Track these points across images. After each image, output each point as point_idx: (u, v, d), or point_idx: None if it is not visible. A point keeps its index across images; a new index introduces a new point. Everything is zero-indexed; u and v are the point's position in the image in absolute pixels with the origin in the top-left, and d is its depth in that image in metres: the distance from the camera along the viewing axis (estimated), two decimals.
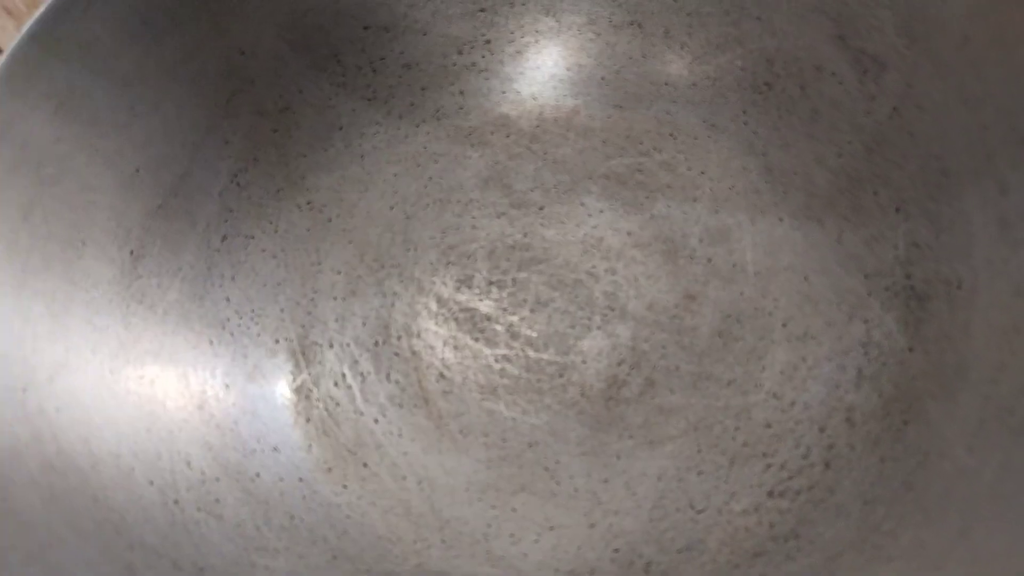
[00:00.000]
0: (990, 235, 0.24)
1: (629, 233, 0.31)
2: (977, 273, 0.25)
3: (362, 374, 0.31)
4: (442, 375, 0.30)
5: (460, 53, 0.34)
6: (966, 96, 0.25)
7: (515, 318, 0.31)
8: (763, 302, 0.29)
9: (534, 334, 0.31)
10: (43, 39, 0.27)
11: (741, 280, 0.30)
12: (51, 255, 0.27)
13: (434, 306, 0.31)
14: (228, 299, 0.31)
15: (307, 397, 0.30)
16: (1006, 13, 0.24)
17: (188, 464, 0.28)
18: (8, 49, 0.26)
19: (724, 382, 0.29)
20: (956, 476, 0.22)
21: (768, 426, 0.28)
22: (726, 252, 0.30)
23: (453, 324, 0.31)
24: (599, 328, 0.30)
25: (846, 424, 0.26)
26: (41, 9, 0.27)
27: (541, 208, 0.32)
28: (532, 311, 0.31)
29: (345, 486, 0.29)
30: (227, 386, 0.30)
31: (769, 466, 0.27)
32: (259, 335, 0.31)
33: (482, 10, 0.33)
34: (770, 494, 0.26)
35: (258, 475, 0.28)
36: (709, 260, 0.30)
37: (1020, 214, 0.24)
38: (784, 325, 0.29)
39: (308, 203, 0.33)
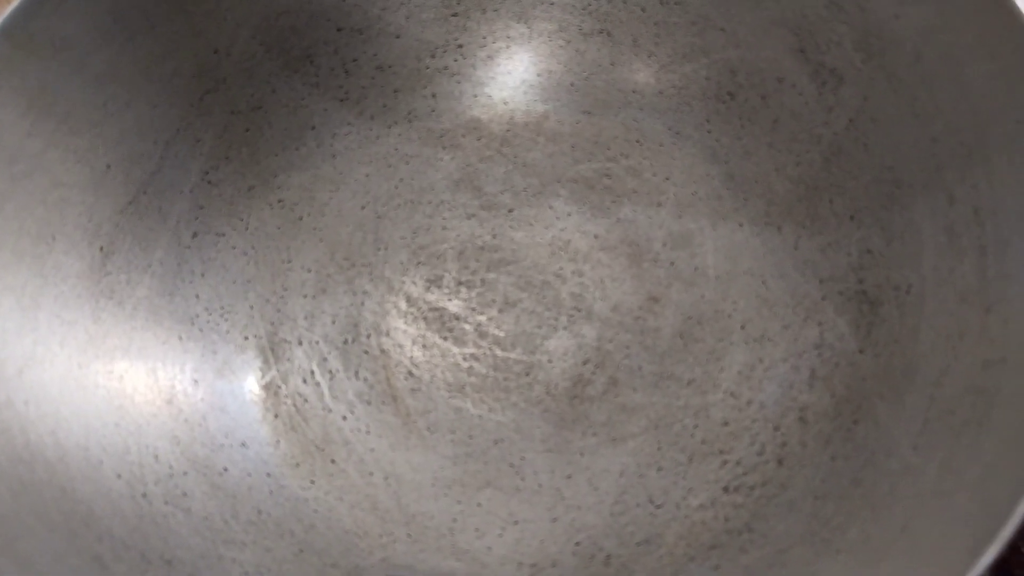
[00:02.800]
0: (938, 244, 0.25)
1: (596, 236, 0.32)
2: (925, 280, 0.26)
3: (331, 371, 0.31)
4: (410, 373, 0.31)
5: (433, 57, 0.34)
6: (918, 111, 0.26)
7: (483, 318, 0.31)
8: (723, 305, 0.30)
9: (502, 334, 0.31)
10: (15, 35, 0.27)
11: (702, 283, 0.31)
12: (22, 250, 0.27)
13: (403, 305, 0.32)
14: (198, 296, 0.31)
15: (275, 393, 0.31)
16: (956, 33, 0.25)
17: (156, 458, 0.28)
18: None
19: (684, 382, 0.29)
20: (901, 473, 0.23)
21: (725, 424, 0.28)
22: (688, 256, 0.31)
23: (422, 323, 0.32)
24: (565, 328, 0.31)
25: (799, 423, 0.27)
26: (13, 4, 0.27)
27: (510, 210, 0.33)
28: (500, 311, 0.32)
29: (312, 481, 0.29)
30: (196, 382, 0.30)
31: (725, 463, 0.28)
32: (228, 331, 0.31)
33: (455, 15, 0.34)
34: (726, 490, 0.27)
35: (226, 470, 0.29)
36: (672, 263, 0.31)
37: (966, 224, 0.25)
38: (742, 327, 0.30)
39: (279, 201, 0.33)
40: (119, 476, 0.27)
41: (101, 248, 0.29)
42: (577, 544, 0.27)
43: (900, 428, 0.24)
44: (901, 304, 0.26)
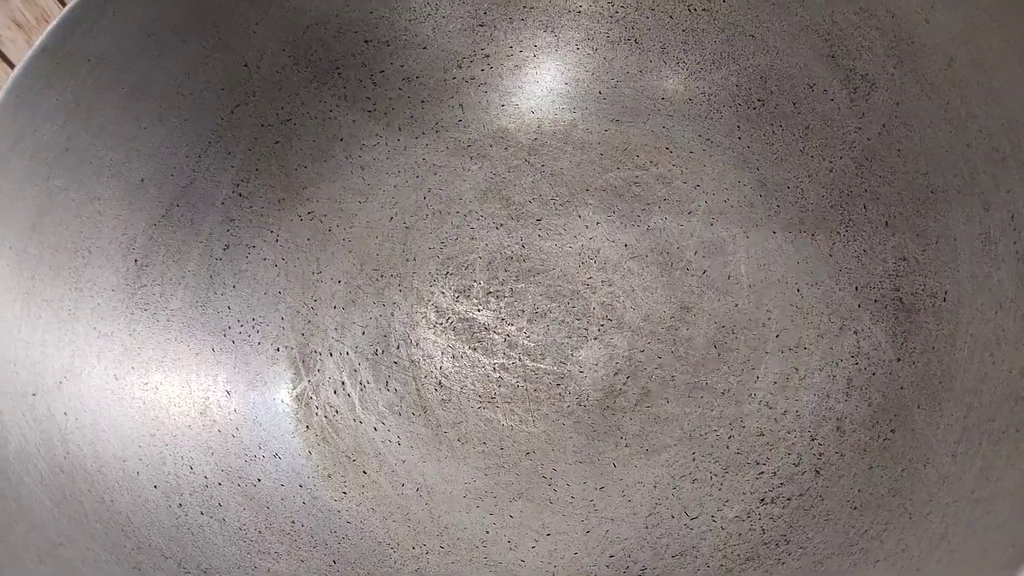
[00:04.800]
0: (974, 250, 0.25)
1: (626, 245, 0.32)
2: (962, 287, 0.25)
3: (361, 382, 0.31)
4: (440, 384, 0.31)
5: (460, 67, 0.34)
6: (951, 116, 0.26)
7: (513, 328, 0.31)
8: (757, 313, 0.30)
9: (532, 344, 0.31)
10: (53, 53, 0.27)
11: (735, 292, 0.31)
12: (59, 264, 0.28)
13: (433, 316, 0.32)
14: (230, 307, 0.31)
15: (307, 405, 0.31)
16: (987, 38, 0.25)
17: (191, 469, 0.28)
18: (20, 63, 0.27)
19: (718, 392, 0.29)
20: (939, 482, 0.23)
21: (761, 435, 0.28)
22: (721, 264, 0.31)
23: (451, 333, 0.32)
24: (596, 338, 0.31)
25: (836, 433, 0.27)
26: (52, 23, 0.27)
27: (539, 220, 0.33)
28: (530, 321, 0.31)
29: (345, 492, 0.29)
30: (229, 393, 0.30)
31: (761, 474, 0.28)
32: (260, 343, 0.31)
33: (482, 25, 0.34)
34: (762, 501, 0.27)
35: (259, 480, 0.29)
36: (704, 272, 0.31)
37: (1002, 230, 0.24)
38: (777, 336, 0.30)
39: (309, 213, 0.33)
40: (156, 487, 0.27)
41: (136, 261, 0.30)
42: (611, 556, 0.27)
43: (938, 436, 0.24)
44: (938, 311, 0.26)
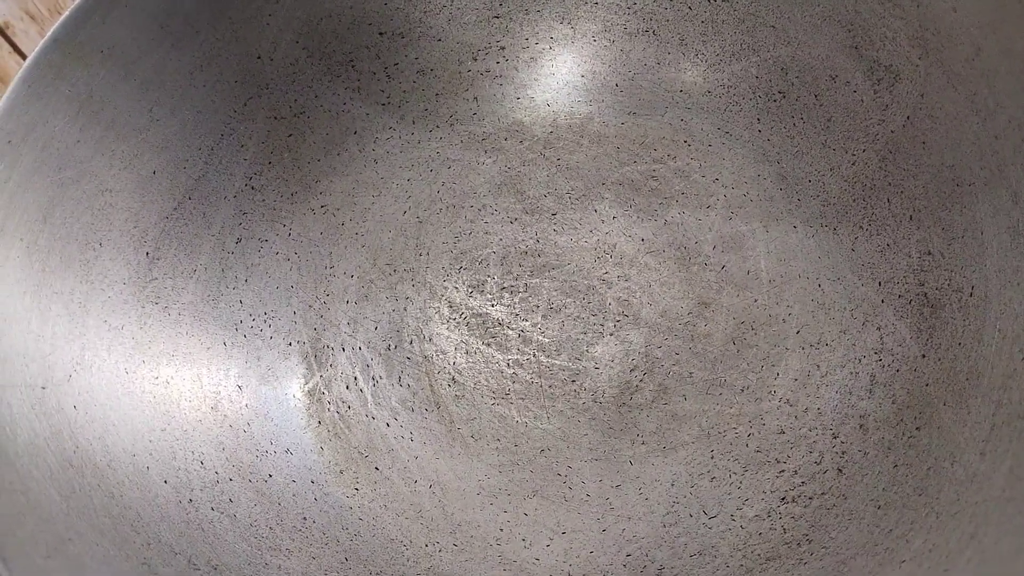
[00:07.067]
0: (1002, 244, 0.25)
1: (643, 240, 0.32)
2: (989, 281, 0.25)
3: (374, 378, 0.31)
4: (454, 379, 0.30)
5: (475, 59, 0.34)
6: (978, 107, 0.26)
7: (527, 323, 0.31)
8: (777, 309, 0.30)
9: (546, 339, 0.31)
10: (65, 44, 0.27)
11: (755, 287, 0.30)
12: (70, 256, 0.28)
13: (446, 311, 0.32)
14: (242, 301, 0.31)
15: (319, 400, 0.31)
16: (1016, 26, 0.24)
17: (202, 464, 0.28)
18: (32, 54, 0.27)
19: (738, 389, 0.29)
20: (967, 481, 0.22)
21: (781, 432, 0.28)
22: (740, 259, 0.31)
23: (465, 329, 0.31)
24: (612, 334, 0.30)
25: (859, 430, 0.27)
26: (64, 15, 0.27)
27: (554, 214, 0.33)
28: (544, 317, 0.31)
29: (357, 489, 0.29)
30: (240, 388, 0.30)
31: (782, 472, 0.27)
32: (272, 337, 0.31)
33: (497, 17, 0.34)
34: (783, 500, 0.27)
35: (271, 476, 0.29)
36: (723, 267, 0.31)
37: None
38: (798, 332, 0.29)
39: (322, 207, 0.33)
40: (166, 482, 0.27)
41: (147, 254, 0.29)
42: (628, 555, 0.27)
43: (965, 434, 0.23)
44: (964, 307, 0.25)
